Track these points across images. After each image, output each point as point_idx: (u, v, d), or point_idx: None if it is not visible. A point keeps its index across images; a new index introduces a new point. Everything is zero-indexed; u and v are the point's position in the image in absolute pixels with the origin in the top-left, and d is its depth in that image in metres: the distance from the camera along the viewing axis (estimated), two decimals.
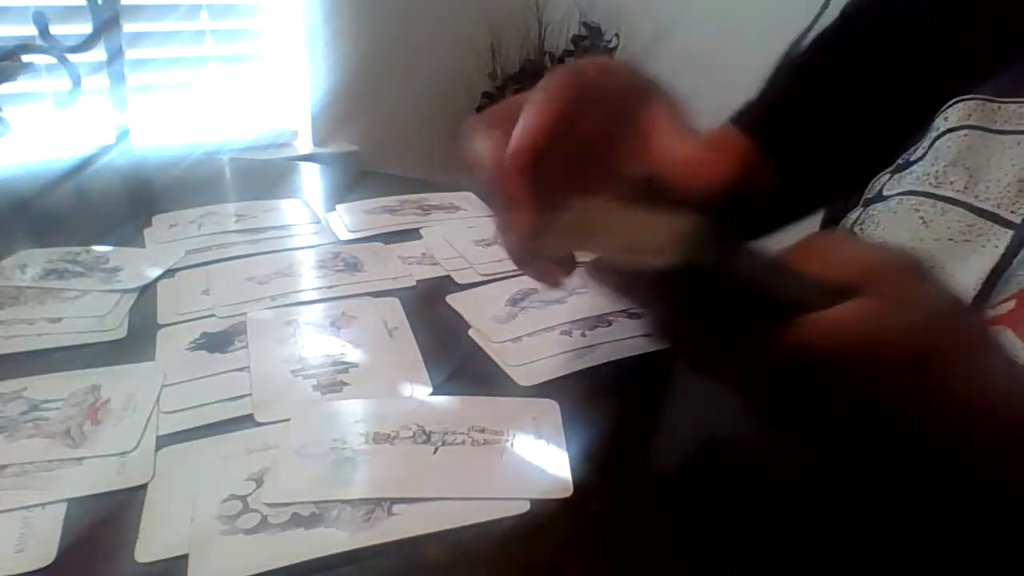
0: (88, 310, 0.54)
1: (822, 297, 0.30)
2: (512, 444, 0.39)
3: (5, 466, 0.38)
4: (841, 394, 0.32)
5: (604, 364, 0.48)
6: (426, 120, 1.93)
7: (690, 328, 0.35)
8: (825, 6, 0.62)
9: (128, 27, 1.22)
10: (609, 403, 0.45)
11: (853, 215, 0.51)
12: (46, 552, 0.33)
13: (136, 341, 0.51)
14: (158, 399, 0.43)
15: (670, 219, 0.30)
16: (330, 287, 0.58)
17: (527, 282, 0.58)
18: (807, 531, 0.35)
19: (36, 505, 0.36)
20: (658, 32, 1.90)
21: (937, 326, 0.31)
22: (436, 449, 0.39)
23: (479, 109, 2.05)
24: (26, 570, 0.32)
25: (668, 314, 0.35)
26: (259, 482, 0.36)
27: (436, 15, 1.98)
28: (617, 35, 1.96)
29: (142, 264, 0.61)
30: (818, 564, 0.34)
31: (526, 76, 2.02)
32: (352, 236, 0.68)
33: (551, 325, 0.51)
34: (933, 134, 0.48)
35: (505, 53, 2.03)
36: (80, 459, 0.38)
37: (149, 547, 0.33)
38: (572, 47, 2.00)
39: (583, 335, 0.50)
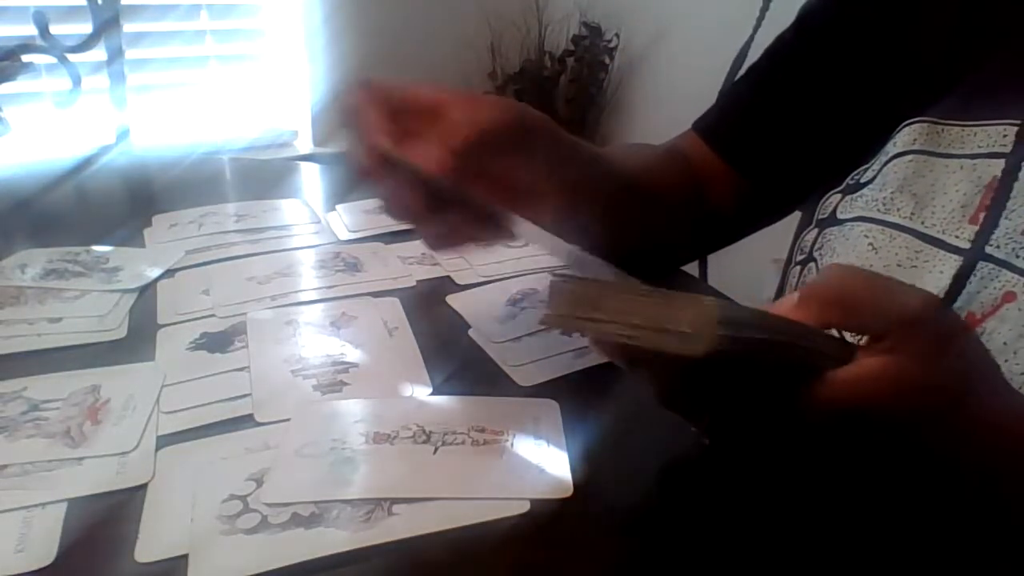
0: (88, 310, 0.54)
1: (840, 351, 0.30)
2: (512, 444, 0.39)
3: (5, 466, 0.38)
4: (872, 447, 0.31)
5: (604, 364, 0.48)
6: None
7: (708, 404, 0.34)
8: (764, 10, 0.63)
9: (128, 27, 1.22)
10: (609, 403, 0.45)
11: (809, 236, 0.52)
12: (46, 552, 0.33)
13: (136, 341, 0.51)
14: (158, 399, 0.43)
15: (693, 302, 0.28)
16: (330, 287, 0.58)
17: (527, 282, 0.58)
18: (809, 533, 0.35)
19: (36, 505, 0.35)
20: (658, 32, 1.90)
21: (959, 369, 0.31)
22: (436, 449, 0.39)
23: None
24: (26, 570, 0.32)
25: (683, 391, 0.34)
26: (259, 482, 0.36)
27: (436, 15, 1.98)
28: (617, 35, 1.96)
29: (142, 264, 0.61)
30: (820, 564, 0.34)
31: (526, 76, 2.03)
32: (352, 236, 0.68)
33: None
34: (883, 158, 0.48)
35: (505, 53, 2.03)
36: (80, 459, 0.38)
37: (149, 547, 0.33)
38: (572, 47, 2.00)
39: (583, 335, 0.50)
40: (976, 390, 0.31)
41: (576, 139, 0.49)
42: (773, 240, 0.70)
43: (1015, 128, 0.42)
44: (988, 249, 0.41)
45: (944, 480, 0.32)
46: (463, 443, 0.39)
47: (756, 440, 0.35)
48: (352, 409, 0.43)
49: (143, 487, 0.37)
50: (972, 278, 0.41)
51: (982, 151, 0.44)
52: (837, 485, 0.34)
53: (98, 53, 1.11)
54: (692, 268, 0.68)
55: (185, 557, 0.32)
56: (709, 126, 0.62)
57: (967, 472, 0.32)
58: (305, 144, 1.97)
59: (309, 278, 0.60)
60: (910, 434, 0.30)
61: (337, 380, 0.45)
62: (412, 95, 0.41)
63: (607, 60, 1.98)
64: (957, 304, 0.41)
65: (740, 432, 0.36)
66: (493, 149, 0.40)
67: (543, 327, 0.35)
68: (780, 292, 0.62)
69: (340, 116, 0.40)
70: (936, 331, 0.31)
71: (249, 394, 0.44)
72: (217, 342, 0.50)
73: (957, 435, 0.30)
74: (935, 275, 0.42)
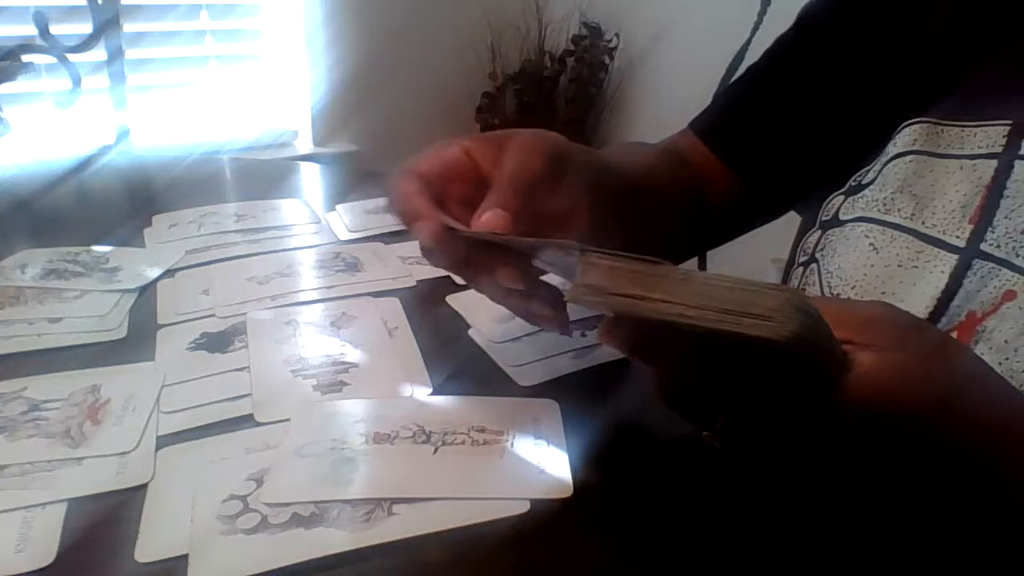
0: (88, 310, 0.54)
1: (844, 354, 0.30)
2: (512, 444, 0.39)
3: (5, 466, 0.38)
4: (885, 446, 0.31)
5: (604, 364, 0.48)
6: (426, 120, 1.94)
7: (725, 402, 0.34)
8: (763, 11, 0.63)
9: (128, 27, 1.22)
10: (609, 403, 0.45)
11: (812, 238, 0.52)
12: (46, 552, 0.33)
13: (136, 341, 0.51)
14: (158, 399, 0.43)
15: (772, 288, 0.28)
16: (330, 287, 0.58)
17: None
18: (808, 533, 0.35)
19: (36, 505, 0.36)
20: (658, 32, 1.90)
21: (943, 364, 0.31)
22: (436, 449, 0.39)
23: (479, 109, 2.06)
24: (26, 570, 0.32)
25: (701, 387, 0.34)
26: (259, 482, 0.36)
27: (436, 15, 1.98)
28: (617, 35, 1.96)
29: (142, 264, 0.61)
30: (821, 565, 0.34)
31: (526, 76, 2.03)
32: (352, 236, 0.68)
33: None
34: (884, 159, 0.49)
35: (505, 53, 2.03)
36: (80, 459, 0.38)
37: (149, 547, 0.33)
38: (572, 47, 2.00)
39: (583, 335, 0.50)
40: (970, 386, 0.31)
41: (591, 149, 0.49)
42: (773, 240, 0.70)
43: (1009, 128, 0.42)
44: (988, 248, 0.41)
45: (948, 475, 0.32)
46: (463, 443, 0.39)
47: (771, 444, 0.35)
48: (352, 409, 0.43)
49: (143, 487, 0.37)
50: (971, 277, 0.41)
51: (981, 151, 0.44)
52: (842, 487, 0.34)
53: (98, 53, 1.11)
54: (691, 268, 0.68)
55: (185, 557, 0.32)
56: (707, 125, 0.62)
57: (970, 467, 0.31)
58: (305, 144, 1.97)
59: (309, 278, 0.60)
60: (919, 427, 0.30)
61: (337, 380, 0.45)
62: (445, 165, 0.44)
63: (607, 60, 1.99)
64: (956, 303, 0.41)
65: (755, 435, 0.35)
66: (536, 189, 0.41)
67: (564, 302, 0.35)
68: None
69: (392, 210, 0.43)
70: (895, 326, 0.31)
71: (249, 394, 0.44)
72: (217, 342, 0.50)
73: (959, 426, 0.30)
74: (936, 275, 0.42)
